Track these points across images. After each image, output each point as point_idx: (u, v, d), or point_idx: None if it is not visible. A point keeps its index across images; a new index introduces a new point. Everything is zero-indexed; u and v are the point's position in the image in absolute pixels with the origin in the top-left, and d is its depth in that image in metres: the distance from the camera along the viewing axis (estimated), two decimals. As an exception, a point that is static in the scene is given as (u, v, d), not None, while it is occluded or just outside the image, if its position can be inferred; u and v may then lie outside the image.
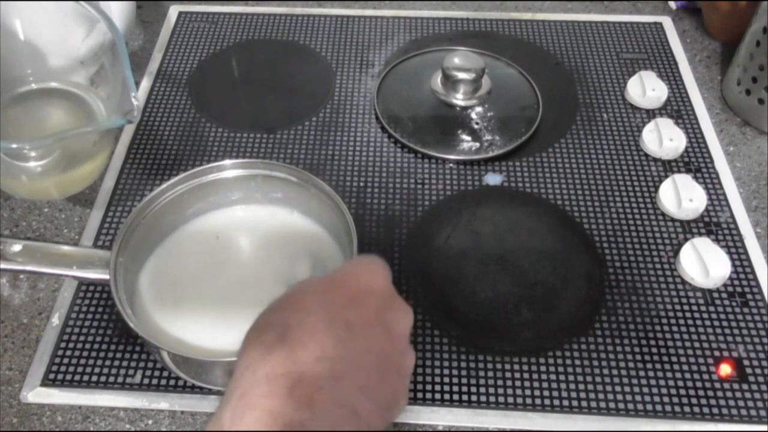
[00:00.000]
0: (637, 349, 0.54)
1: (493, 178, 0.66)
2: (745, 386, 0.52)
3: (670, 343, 0.54)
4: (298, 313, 0.34)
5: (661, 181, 0.64)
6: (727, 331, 0.55)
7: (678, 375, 0.52)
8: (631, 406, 0.51)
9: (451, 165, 0.67)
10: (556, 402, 0.51)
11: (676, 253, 0.59)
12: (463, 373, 0.52)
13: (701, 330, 0.55)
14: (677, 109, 0.72)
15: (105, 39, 0.55)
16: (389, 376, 0.35)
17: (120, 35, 0.54)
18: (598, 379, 0.52)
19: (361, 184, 0.65)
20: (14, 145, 0.48)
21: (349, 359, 0.33)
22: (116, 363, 0.53)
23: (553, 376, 0.52)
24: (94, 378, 0.52)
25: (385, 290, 0.37)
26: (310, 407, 0.31)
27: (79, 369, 0.53)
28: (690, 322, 0.55)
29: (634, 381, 0.52)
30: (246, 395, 0.32)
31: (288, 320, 0.34)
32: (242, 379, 0.32)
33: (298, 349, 0.33)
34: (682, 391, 0.51)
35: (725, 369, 0.53)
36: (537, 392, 0.51)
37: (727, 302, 0.57)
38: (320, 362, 0.32)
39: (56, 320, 0.55)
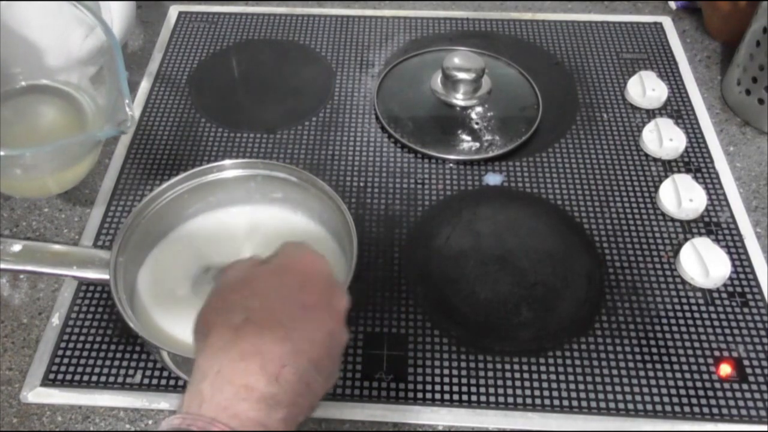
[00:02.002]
0: (637, 349, 0.54)
1: (493, 178, 0.66)
2: (745, 386, 0.52)
3: (670, 343, 0.54)
4: (257, 296, 0.38)
5: (661, 181, 0.64)
6: (727, 331, 0.55)
7: (678, 375, 0.52)
8: (631, 406, 0.51)
9: (451, 165, 0.67)
10: (556, 402, 0.51)
11: (676, 253, 0.59)
12: (463, 373, 0.52)
13: (701, 330, 0.55)
14: (677, 109, 0.72)
15: (106, 40, 0.55)
16: (333, 351, 0.39)
17: (117, 42, 0.53)
18: (598, 379, 0.52)
19: (361, 184, 0.65)
20: (2, 153, 0.48)
21: (305, 337, 0.37)
22: (116, 363, 0.53)
23: (553, 376, 0.52)
24: (94, 378, 0.52)
25: (327, 273, 0.41)
26: (278, 382, 0.35)
27: (79, 369, 0.53)
28: (690, 322, 0.55)
29: (634, 381, 0.52)
30: (222, 371, 0.35)
31: (249, 303, 0.38)
32: (216, 357, 0.36)
33: (266, 330, 0.36)
34: (682, 391, 0.51)
35: (725, 369, 0.53)
36: (537, 392, 0.51)
37: (727, 302, 0.57)
38: (284, 341, 0.36)
39: (56, 320, 0.55)
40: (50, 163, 0.55)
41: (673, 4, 0.85)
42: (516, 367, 0.53)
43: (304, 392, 0.36)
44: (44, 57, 0.59)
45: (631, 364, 0.53)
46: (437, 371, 0.52)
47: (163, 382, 0.52)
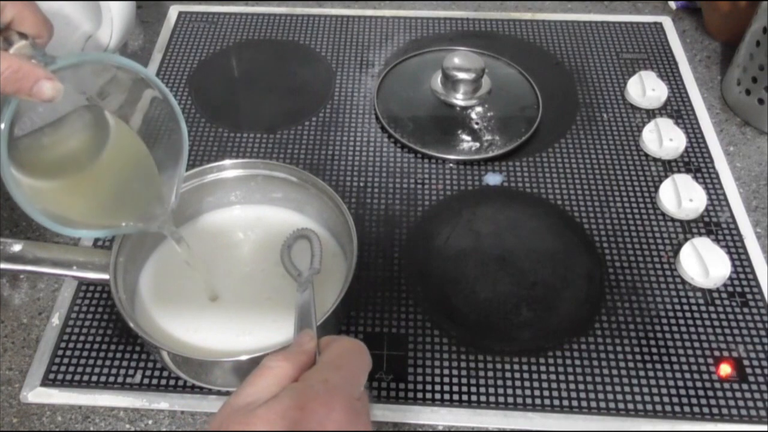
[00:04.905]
0: (637, 349, 0.54)
1: (493, 178, 0.66)
2: (745, 386, 0.52)
3: (670, 343, 0.54)
4: None
5: (661, 181, 0.64)
6: (727, 331, 0.55)
7: (678, 375, 0.52)
8: (631, 406, 0.51)
9: (451, 165, 0.67)
10: (556, 402, 0.51)
11: (676, 253, 0.59)
12: (463, 373, 0.52)
13: (701, 330, 0.55)
14: (677, 109, 0.72)
15: (111, 42, 0.53)
16: None
17: (186, 144, 0.49)
18: (598, 379, 0.52)
19: (361, 184, 0.65)
20: (64, 231, 0.45)
21: None
22: (116, 363, 0.53)
23: (553, 376, 0.52)
24: (94, 378, 0.52)
25: (341, 422, 0.34)
26: None
27: (79, 369, 0.53)
28: (690, 322, 0.55)
29: (634, 381, 0.52)
30: None
31: None
32: None
33: None
34: (682, 391, 0.51)
35: (725, 369, 0.53)
36: (537, 392, 0.51)
37: (727, 302, 0.57)
38: None
39: (56, 320, 0.55)
40: None
41: (673, 4, 0.85)
42: (516, 367, 0.53)
43: None
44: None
45: (631, 364, 0.53)
46: (437, 371, 0.52)
47: (163, 382, 0.52)
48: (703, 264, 0.57)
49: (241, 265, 0.56)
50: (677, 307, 0.56)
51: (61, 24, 0.57)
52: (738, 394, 0.51)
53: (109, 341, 0.54)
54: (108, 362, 0.53)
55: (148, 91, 0.47)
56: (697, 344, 0.54)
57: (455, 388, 0.52)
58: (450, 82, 0.71)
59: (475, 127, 0.70)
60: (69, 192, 0.47)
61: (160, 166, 0.49)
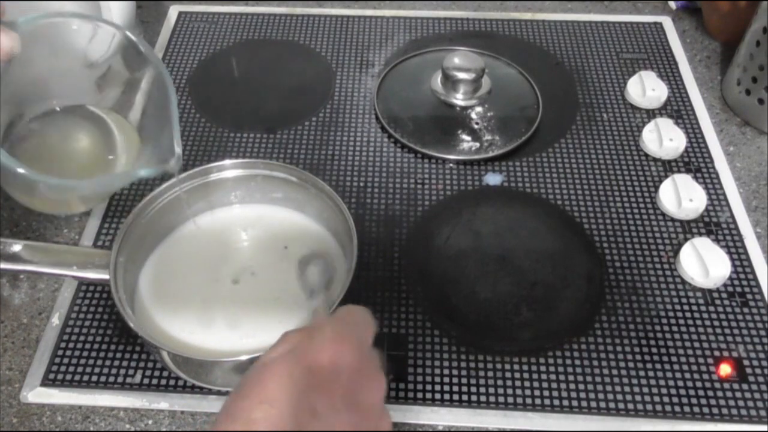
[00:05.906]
0: (637, 349, 0.54)
1: (493, 178, 0.66)
2: (745, 386, 0.52)
3: (670, 343, 0.54)
4: (261, 405, 0.34)
5: (661, 181, 0.64)
6: (727, 331, 0.55)
7: (678, 375, 0.52)
8: (631, 406, 0.51)
9: (451, 165, 0.67)
10: (556, 402, 0.51)
11: (676, 253, 0.59)
12: (463, 373, 0.52)
13: (701, 330, 0.55)
14: (677, 109, 0.72)
15: (113, 41, 0.53)
16: None
17: (168, 75, 0.48)
18: (598, 379, 0.52)
19: (361, 184, 0.65)
20: (54, 182, 0.45)
21: None
22: (116, 363, 0.53)
23: (553, 376, 0.52)
24: (94, 378, 0.52)
25: (353, 364, 0.36)
26: None
27: (79, 369, 0.53)
28: (690, 322, 0.55)
29: (634, 381, 0.52)
30: None
31: (251, 414, 0.34)
32: None
33: None
34: (682, 391, 0.51)
35: (725, 369, 0.53)
36: (537, 392, 0.51)
37: (727, 302, 0.57)
38: None
39: (56, 320, 0.55)
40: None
41: (673, 4, 0.85)
42: (516, 367, 0.53)
43: None
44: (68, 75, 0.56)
45: (631, 364, 0.53)
46: (437, 371, 0.52)
47: (163, 382, 0.52)
48: (703, 264, 0.57)
49: (240, 265, 0.56)
50: (677, 307, 0.56)
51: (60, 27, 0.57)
52: (738, 394, 0.51)
53: (109, 341, 0.54)
54: (108, 362, 0.53)
55: (146, 73, 0.48)
56: (697, 344, 0.54)
57: (455, 388, 0.52)
58: (450, 82, 0.71)
59: (475, 127, 0.70)
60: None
61: (158, 126, 0.49)
